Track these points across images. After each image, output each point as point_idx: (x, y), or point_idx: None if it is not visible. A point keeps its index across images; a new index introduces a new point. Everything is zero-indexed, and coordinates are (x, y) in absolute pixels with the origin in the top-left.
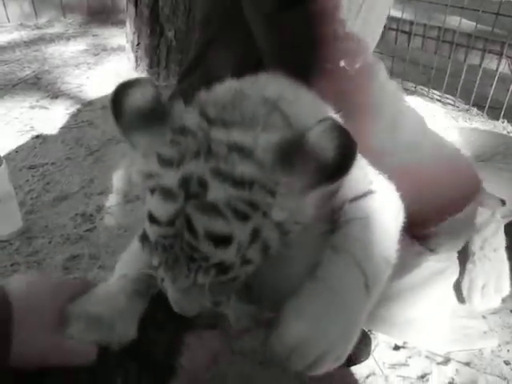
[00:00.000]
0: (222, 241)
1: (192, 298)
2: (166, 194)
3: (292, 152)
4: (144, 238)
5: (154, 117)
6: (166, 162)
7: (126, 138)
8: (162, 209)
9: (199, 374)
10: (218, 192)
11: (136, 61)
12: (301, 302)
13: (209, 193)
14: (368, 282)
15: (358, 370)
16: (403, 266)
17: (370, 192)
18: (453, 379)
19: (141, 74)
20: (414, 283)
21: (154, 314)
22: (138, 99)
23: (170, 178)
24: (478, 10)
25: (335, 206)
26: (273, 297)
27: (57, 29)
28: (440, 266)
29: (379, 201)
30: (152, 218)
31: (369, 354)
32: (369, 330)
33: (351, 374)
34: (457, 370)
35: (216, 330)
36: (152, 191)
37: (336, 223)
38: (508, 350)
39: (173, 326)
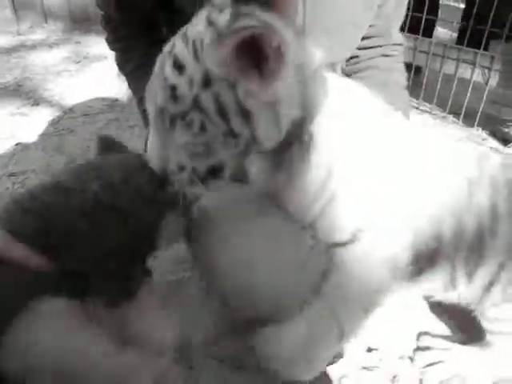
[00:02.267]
0: (179, 67)
1: (162, 145)
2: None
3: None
4: None
5: None
6: None
7: None
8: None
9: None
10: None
11: None
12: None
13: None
14: (343, 329)
15: (332, 372)
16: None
17: (355, 238)
18: (421, 380)
19: (123, 81)
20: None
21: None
22: None
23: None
24: (453, 22)
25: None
26: (249, 302)
27: (38, 35)
28: None
29: (365, 248)
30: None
31: (342, 355)
32: None
33: (324, 375)
34: (428, 371)
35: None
36: None
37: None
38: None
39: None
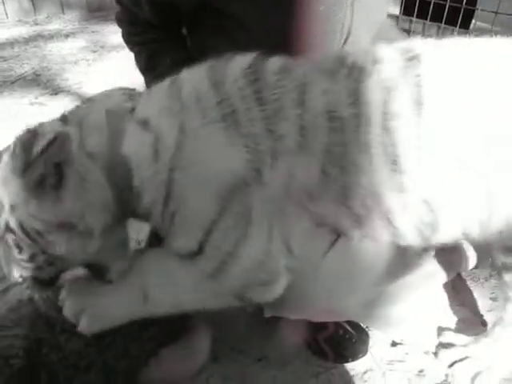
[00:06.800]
0: None
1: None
2: None
3: None
4: None
5: None
6: None
7: None
8: None
9: None
10: None
11: None
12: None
13: None
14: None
15: (356, 366)
16: (402, 266)
17: (196, 254)
18: (447, 375)
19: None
20: (410, 283)
21: None
22: None
23: None
24: (477, 8)
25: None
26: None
27: (56, 25)
28: (433, 269)
29: (202, 270)
30: None
31: (366, 351)
32: (366, 327)
33: (349, 370)
34: (453, 365)
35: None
36: None
37: None
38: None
39: None
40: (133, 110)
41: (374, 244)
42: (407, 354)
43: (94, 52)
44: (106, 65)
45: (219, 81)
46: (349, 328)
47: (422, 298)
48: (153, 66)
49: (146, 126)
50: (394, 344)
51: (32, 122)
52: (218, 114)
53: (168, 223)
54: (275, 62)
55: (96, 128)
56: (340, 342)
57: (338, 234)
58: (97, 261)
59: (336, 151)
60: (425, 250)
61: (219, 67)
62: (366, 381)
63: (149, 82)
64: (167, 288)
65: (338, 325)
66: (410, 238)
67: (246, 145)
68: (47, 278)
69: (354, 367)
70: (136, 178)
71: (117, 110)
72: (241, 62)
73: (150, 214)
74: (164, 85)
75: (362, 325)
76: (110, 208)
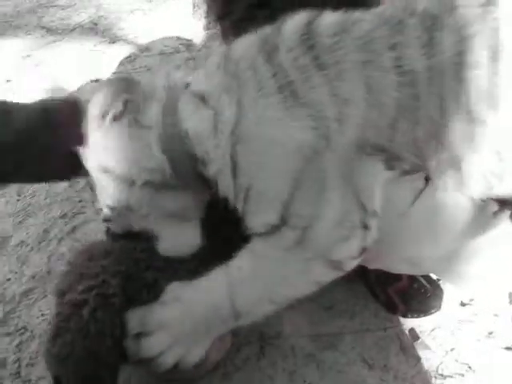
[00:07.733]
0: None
1: None
2: None
3: None
4: None
5: None
6: None
7: None
8: None
9: None
10: None
11: (193, 7)
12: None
13: None
14: (239, 314)
15: (423, 323)
16: (480, 224)
17: (279, 226)
18: None
19: (198, 20)
20: (485, 242)
21: None
22: None
23: None
24: None
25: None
26: None
27: None
28: (508, 230)
29: (289, 240)
30: None
31: (440, 306)
32: (438, 279)
33: (416, 327)
34: None
35: None
36: None
37: None
38: None
39: None
40: (188, 84)
41: (457, 198)
42: (476, 314)
43: (150, 2)
44: (161, 15)
45: (273, 52)
46: (424, 282)
47: (495, 258)
48: (229, 12)
49: (205, 101)
50: (462, 304)
51: (92, 69)
52: (274, 87)
53: (243, 200)
54: (331, 22)
55: (154, 101)
56: (413, 295)
57: (425, 182)
58: (149, 225)
59: (407, 105)
60: (501, 209)
61: (271, 37)
62: (434, 338)
63: (225, 30)
64: (254, 282)
65: (412, 278)
66: (476, 186)
67: (310, 114)
68: (117, 231)
69: (421, 324)
70: (198, 149)
71: (174, 85)
72: (293, 27)
73: (217, 183)
74: (217, 59)
75: (436, 280)
76: (163, 171)
